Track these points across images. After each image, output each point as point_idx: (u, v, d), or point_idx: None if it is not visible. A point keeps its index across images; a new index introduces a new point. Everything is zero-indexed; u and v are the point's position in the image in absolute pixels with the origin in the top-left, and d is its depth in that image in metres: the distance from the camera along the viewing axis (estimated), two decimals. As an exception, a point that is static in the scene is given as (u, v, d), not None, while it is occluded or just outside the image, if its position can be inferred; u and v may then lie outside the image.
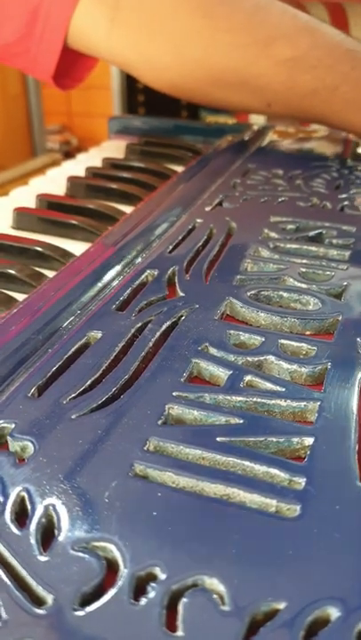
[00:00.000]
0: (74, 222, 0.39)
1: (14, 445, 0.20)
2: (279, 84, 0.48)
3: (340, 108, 0.48)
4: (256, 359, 0.24)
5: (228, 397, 0.22)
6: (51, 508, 0.17)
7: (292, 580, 0.15)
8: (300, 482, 0.18)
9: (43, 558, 0.16)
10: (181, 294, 0.29)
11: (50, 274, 0.33)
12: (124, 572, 0.15)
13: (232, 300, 0.28)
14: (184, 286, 0.29)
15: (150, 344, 0.25)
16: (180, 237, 0.34)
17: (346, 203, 0.40)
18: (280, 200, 0.41)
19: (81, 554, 0.16)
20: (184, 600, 0.15)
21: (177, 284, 0.29)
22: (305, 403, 0.21)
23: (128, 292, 0.29)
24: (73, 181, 0.47)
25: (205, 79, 0.51)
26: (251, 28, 0.48)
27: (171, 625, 0.14)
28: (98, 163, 0.53)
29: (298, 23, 0.48)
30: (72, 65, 0.55)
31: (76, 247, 0.36)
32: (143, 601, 0.15)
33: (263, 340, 0.25)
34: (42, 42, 0.50)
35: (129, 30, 0.50)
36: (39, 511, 0.17)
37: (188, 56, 0.50)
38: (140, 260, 0.32)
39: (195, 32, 0.49)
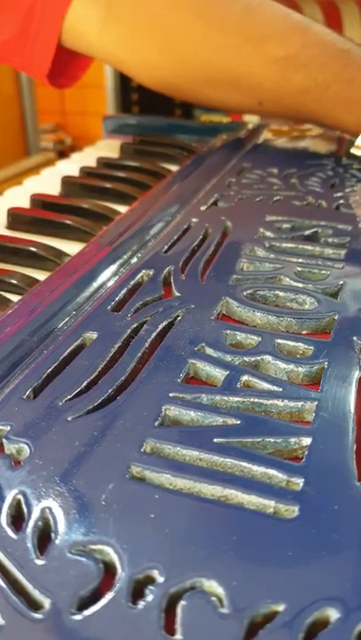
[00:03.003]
0: (68, 222, 0.39)
1: (10, 448, 0.20)
2: (271, 82, 0.48)
3: (332, 107, 0.48)
4: (253, 359, 0.24)
5: (225, 398, 0.22)
6: (47, 510, 0.17)
7: (291, 582, 0.15)
8: (298, 482, 0.18)
9: (39, 562, 0.16)
10: (177, 294, 0.28)
11: (44, 274, 0.32)
12: (121, 575, 0.15)
13: (228, 299, 0.28)
14: (180, 286, 0.29)
15: (146, 345, 0.24)
16: (175, 237, 0.34)
17: (341, 201, 0.40)
18: (275, 199, 0.41)
19: (78, 557, 0.16)
20: (182, 603, 0.15)
21: (173, 284, 0.29)
22: (302, 403, 0.21)
23: (124, 292, 0.28)
24: (67, 181, 0.47)
25: (197, 78, 0.51)
26: (243, 27, 0.48)
27: (169, 628, 0.14)
28: (92, 162, 0.53)
29: (290, 22, 0.48)
30: (67, 64, 0.55)
31: (71, 247, 0.36)
32: (141, 604, 0.15)
33: (260, 339, 0.25)
34: (36, 41, 0.50)
35: (121, 29, 0.50)
36: (35, 514, 0.17)
37: (179, 55, 0.50)
38: (135, 259, 0.32)
39: (186, 31, 0.49)
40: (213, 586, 0.15)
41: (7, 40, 0.50)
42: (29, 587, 0.15)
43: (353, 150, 0.47)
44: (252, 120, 0.72)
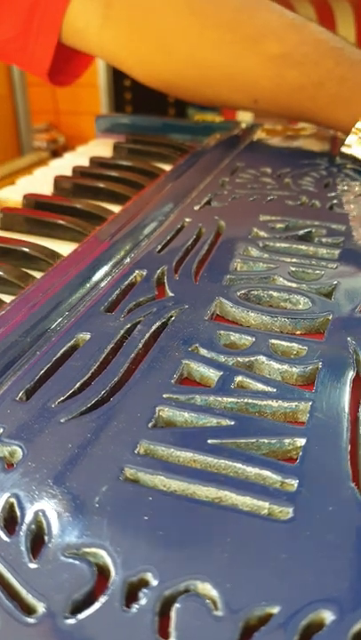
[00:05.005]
0: (61, 222, 0.39)
1: (2, 450, 0.19)
2: (266, 79, 0.48)
3: (326, 104, 0.48)
4: (247, 359, 0.24)
5: (219, 399, 0.22)
6: (40, 513, 0.17)
7: (286, 584, 0.15)
8: (293, 483, 0.18)
9: (32, 565, 0.15)
10: (171, 294, 0.28)
11: (37, 275, 0.32)
12: (115, 578, 0.15)
13: (222, 299, 0.28)
14: (173, 286, 0.29)
15: (140, 345, 0.24)
16: (168, 237, 0.34)
17: (335, 201, 0.40)
18: (269, 199, 0.41)
19: (71, 560, 0.16)
20: (177, 606, 0.15)
21: (166, 284, 0.29)
22: (296, 403, 0.21)
23: (117, 292, 0.28)
24: (60, 181, 0.47)
25: (194, 76, 0.51)
26: (238, 24, 0.48)
27: (163, 632, 0.14)
28: (85, 162, 0.53)
29: (285, 20, 0.48)
30: (68, 61, 0.55)
31: (64, 247, 0.36)
32: (135, 607, 0.14)
33: (254, 340, 0.25)
34: (37, 39, 0.51)
35: (120, 28, 0.50)
36: (28, 517, 0.17)
37: (176, 53, 0.50)
38: (128, 259, 0.32)
39: (183, 29, 0.49)
40: (208, 588, 0.15)
41: (10, 38, 0.51)
42: (22, 591, 0.15)
43: (343, 149, 0.47)
44: (245, 119, 0.72)
